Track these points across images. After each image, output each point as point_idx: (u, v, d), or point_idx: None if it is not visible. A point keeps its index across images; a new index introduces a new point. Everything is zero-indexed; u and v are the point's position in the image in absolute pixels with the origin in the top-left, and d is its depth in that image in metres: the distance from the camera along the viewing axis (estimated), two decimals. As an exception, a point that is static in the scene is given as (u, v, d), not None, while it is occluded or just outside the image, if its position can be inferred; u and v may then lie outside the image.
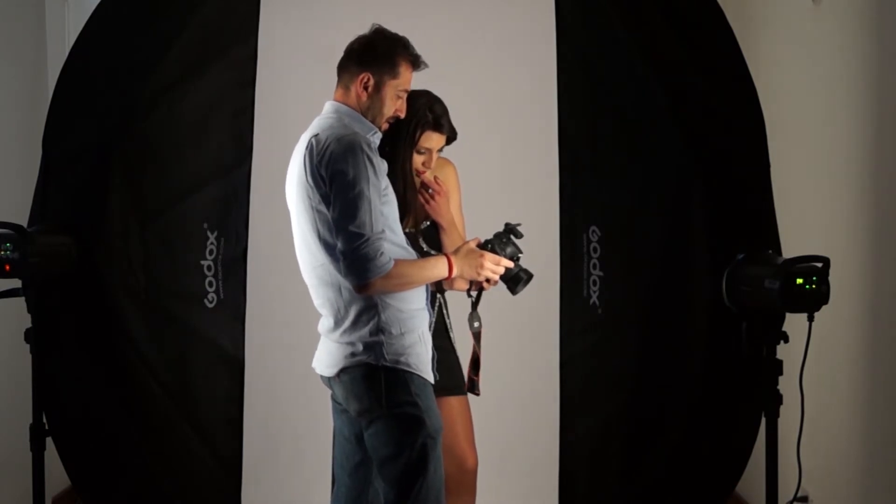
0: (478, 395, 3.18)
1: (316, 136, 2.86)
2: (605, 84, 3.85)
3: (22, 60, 4.38)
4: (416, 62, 2.98)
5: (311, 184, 2.83)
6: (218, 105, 3.90)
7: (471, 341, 3.12)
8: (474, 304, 3.10)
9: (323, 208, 2.82)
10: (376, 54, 2.93)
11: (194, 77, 3.86)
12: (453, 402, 3.35)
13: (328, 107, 2.98)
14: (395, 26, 3.01)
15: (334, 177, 2.78)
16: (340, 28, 3.05)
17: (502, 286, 3.03)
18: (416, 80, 3.14)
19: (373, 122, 2.95)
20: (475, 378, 3.14)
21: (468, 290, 3.09)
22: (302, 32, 4.12)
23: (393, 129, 3.09)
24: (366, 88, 2.93)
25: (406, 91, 3.00)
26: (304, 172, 2.85)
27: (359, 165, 2.77)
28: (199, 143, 3.89)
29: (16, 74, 4.31)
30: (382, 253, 2.77)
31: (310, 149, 2.84)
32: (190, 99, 3.86)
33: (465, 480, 3.38)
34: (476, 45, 4.23)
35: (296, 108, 3.37)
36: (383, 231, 2.80)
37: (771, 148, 3.71)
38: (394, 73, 2.94)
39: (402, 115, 3.02)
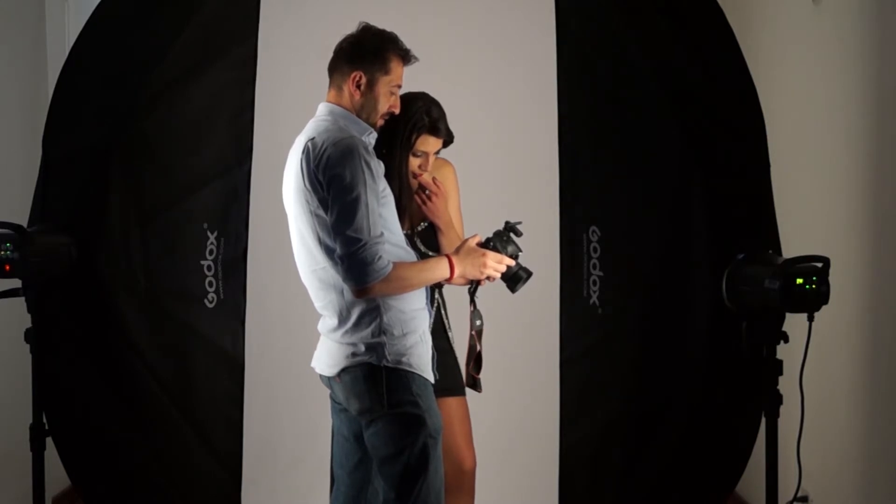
0: (480, 391, 3.17)
1: (312, 139, 2.85)
2: (605, 84, 3.85)
3: (22, 60, 4.39)
4: (406, 57, 2.97)
5: (309, 188, 2.82)
6: (218, 105, 3.90)
7: (467, 341, 3.12)
8: (472, 298, 3.08)
9: (322, 212, 2.81)
10: (366, 51, 2.92)
11: (194, 77, 3.86)
12: (451, 402, 3.34)
13: (322, 109, 2.97)
14: (395, 27, 3.01)
15: (332, 181, 2.77)
16: (340, 28, 3.04)
17: (499, 284, 3.03)
18: (418, 81, 3.14)
19: (367, 120, 2.94)
20: (476, 376, 3.13)
21: (469, 288, 3.09)
22: (302, 32, 4.12)
23: (389, 131, 3.08)
24: (358, 87, 2.92)
25: (398, 86, 2.99)
26: (301, 177, 2.84)
27: (356, 169, 2.76)
28: (200, 142, 3.89)
29: (16, 74, 4.31)
30: (381, 257, 2.76)
31: (306, 153, 2.83)
32: (190, 99, 3.86)
33: (464, 481, 3.38)
34: (476, 45, 4.23)
35: (296, 108, 3.37)
36: (381, 234, 2.79)
37: (771, 148, 3.71)
38: (385, 70, 2.93)
39: (397, 111, 3.01)
